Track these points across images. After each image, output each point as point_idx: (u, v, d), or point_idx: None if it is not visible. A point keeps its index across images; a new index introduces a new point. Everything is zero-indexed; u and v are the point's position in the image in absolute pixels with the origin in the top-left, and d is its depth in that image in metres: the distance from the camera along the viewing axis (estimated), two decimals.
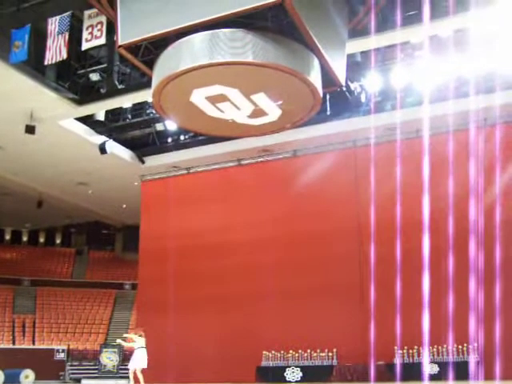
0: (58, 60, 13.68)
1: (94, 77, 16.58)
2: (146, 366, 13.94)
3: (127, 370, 21.95)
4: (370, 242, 14.58)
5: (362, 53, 15.51)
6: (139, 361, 13.94)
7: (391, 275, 13.16)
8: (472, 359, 13.84)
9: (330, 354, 15.83)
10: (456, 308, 12.67)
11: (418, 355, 14.75)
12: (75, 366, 23.89)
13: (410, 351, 14.78)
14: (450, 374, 13.63)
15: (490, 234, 13.40)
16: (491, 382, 12.50)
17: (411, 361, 14.73)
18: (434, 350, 14.51)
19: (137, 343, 14.10)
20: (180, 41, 8.59)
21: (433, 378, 14.20)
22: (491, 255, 13.14)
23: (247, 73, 8.70)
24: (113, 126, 19.34)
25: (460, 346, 14.18)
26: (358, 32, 11.47)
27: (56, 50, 13.47)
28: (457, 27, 13.73)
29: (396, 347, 14.61)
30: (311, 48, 8.76)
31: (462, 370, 13.65)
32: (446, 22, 12.46)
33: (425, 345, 13.93)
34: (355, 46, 13.11)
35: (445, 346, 14.30)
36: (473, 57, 15.01)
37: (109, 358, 23.15)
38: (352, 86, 17.12)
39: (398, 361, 14.78)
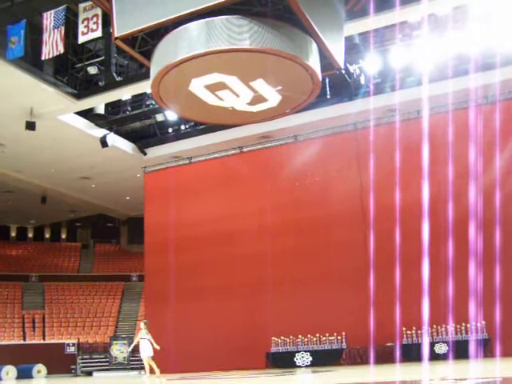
0: (54, 55, 13.64)
1: (92, 70, 16.57)
2: (151, 354, 14.49)
3: (138, 361, 22.35)
4: (374, 226, 14.58)
5: (360, 35, 15.43)
6: (145, 350, 14.56)
7: (396, 257, 13.17)
8: (477, 337, 13.87)
9: (339, 337, 15.89)
10: (459, 288, 12.72)
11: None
12: (86, 359, 24.06)
13: (419, 332, 14.81)
14: (452, 353, 13.74)
15: (490, 212, 13.37)
16: (493, 360, 12.60)
17: (420, 341, 14.77)
18: (443, 329, 14.54)
19: (140, 335, 14.77)
20: (176, 30, 8.52)
21: (441, 357, 14.26)
22: (491, 235, 13.11)
23: (245, 59, 8.63)
24: (113, 118, 19.31)
25: (468, 325, 14.20)
26: (355, 14, 11.38)
27: (52, 45, 13.41)
28: (455, 4, 13.63)
29: (404, 328, 14.65)
30: (309, 32, 8.67)
31: (469, 349, 13.70)
32: None
33: (425, 325, 13.98)
34: (353, 27, 13.04)
35: (453, 325, 14.32)
36: (471, 34, 14.90)
37: (119, 350, 23.30)
38: (351, 68, 17.06)
39: (405, 342, 14.84)
